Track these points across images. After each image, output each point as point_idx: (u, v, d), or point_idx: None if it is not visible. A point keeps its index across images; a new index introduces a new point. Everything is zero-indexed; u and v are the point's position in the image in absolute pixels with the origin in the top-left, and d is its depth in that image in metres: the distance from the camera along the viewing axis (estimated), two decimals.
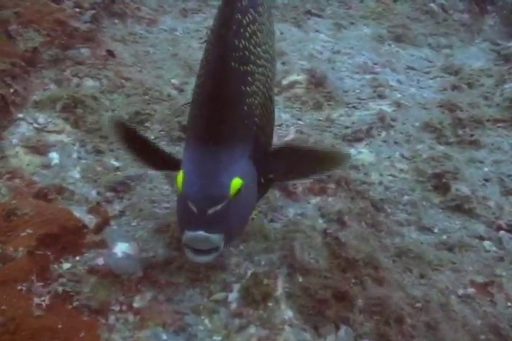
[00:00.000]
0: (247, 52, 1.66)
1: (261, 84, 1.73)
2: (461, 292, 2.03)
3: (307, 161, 1.78)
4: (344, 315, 1.84)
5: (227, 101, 1.58)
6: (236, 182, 1.53)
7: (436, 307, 1.93)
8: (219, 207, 1.51)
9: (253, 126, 1.69)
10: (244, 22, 1.68)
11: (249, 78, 1.66)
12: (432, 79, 3.42)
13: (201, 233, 1.50)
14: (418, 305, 1.92)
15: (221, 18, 1.66)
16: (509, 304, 2.01)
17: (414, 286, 2.02)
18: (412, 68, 3.53)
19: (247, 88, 1.65)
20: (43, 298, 1.63)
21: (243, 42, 1.65)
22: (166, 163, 1.83)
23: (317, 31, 3.89)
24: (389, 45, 3.88)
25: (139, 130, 1.81)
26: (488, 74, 3.36)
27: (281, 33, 3.70)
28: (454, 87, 3.22)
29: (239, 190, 1.54)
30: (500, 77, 3.27)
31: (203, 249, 1.55)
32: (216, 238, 1.53)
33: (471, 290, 2.04)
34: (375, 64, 3.49)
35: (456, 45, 3.99)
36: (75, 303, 1.71)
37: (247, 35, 1.68)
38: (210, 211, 1.50)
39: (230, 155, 1.56)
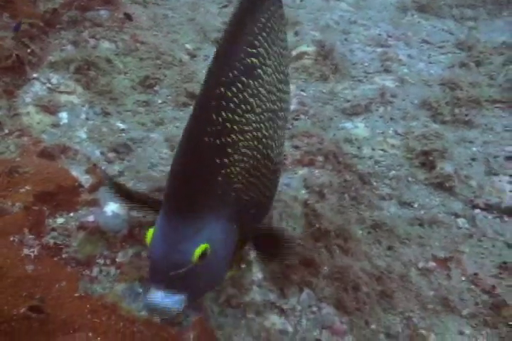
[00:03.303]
0: (228, 124, 1.60)
1: (250, 149, 1.69)
2: (421, 265, 2.18)
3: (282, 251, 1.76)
4: (309, 279, 2.00)
5: (196, 175, 1.56)
6: (200, 249, 1.55)
7: (396, 277, 2.09)
8: (181, 271, 1.55)
9: (231, 193, 1.68)
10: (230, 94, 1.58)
11: (228, 149, 1.62)
12: (444, 54, 3.46)
13: (161, 295, 1.53)
14: (376, 274, 2.08)
15: (205, 98, 1.54)
16: (463, 279, 2.16)
17: (381, 257, 2.17)
18: (427, 42, 3.57)
19: (224, 159, 1.62)
20: (32, 250, 1.82)
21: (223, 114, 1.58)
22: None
23: None
24: (412, 15, 3.92)
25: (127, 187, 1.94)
26: (500, 52, 3.38)
27: (301, 1, 3.77)
28: (462, 64, 3.27)
29: (204, 255, 1.57)
30: (510, 56, 3.29)
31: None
32: (176, 300, 1.55)
33: (431, 264, 2.19)
34: (390, 36, 3.55)
35: (482, 17, 4.00)
36: (64, 255, 1.90)
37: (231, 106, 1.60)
38: (172, 273, 1.54)
39: (198, 222, 1.59)
